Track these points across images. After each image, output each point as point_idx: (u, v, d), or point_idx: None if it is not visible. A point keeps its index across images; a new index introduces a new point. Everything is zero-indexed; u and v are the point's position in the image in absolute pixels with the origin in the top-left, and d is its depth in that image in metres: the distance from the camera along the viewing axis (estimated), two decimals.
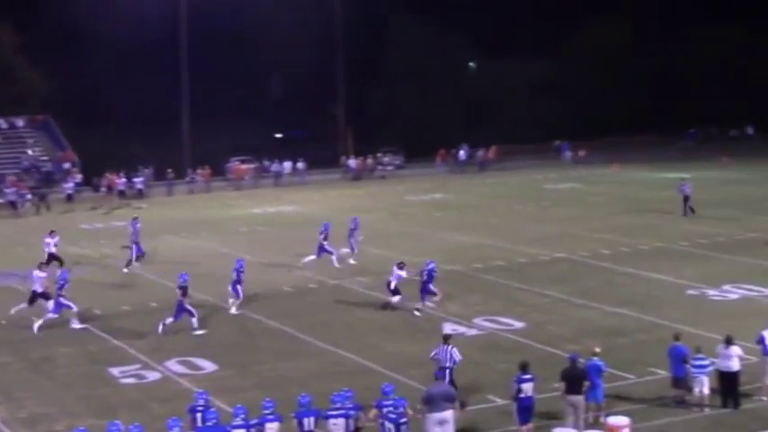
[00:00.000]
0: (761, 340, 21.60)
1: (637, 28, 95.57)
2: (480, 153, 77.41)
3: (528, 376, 19.50)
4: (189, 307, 28.78)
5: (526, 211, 49.96)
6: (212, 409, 18.21)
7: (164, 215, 54.87)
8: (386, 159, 77.14)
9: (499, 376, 22.95)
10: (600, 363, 20.42)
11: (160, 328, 28.32)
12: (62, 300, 29.34)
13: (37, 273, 30.93)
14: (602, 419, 19.86)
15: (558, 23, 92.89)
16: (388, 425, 17.72)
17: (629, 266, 35.33)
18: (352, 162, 75.19)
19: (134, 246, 38.68)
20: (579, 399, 19.66)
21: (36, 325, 29.08)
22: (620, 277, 33.95)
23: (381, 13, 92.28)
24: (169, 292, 33.86)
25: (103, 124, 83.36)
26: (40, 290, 30.43)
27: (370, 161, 75.85)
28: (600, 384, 20.27)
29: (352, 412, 17.93)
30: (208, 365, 25.20)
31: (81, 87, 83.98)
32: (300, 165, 72.65)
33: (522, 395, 19.25)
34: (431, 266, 30.01)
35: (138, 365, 25.34)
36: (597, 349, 21.02)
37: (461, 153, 76.91)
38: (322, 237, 36.55)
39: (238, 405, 18.22)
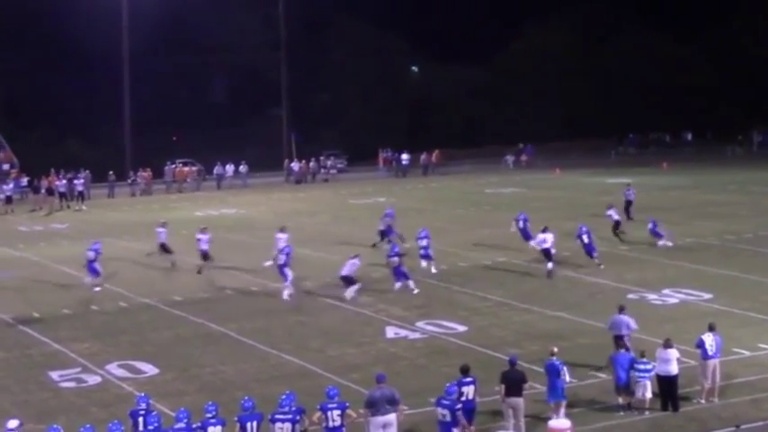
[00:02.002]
0: (700, 344, 21.89)
1: (577, 33, 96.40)
2: (423, 157, 77.68)
3: (469, 379, 19.61)
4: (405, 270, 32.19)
5: (468, 216, 50.22)
6: (154, 413, 18.09)
7: (105, 217, 54.45)
8: (329, 162, 77.15)
9: (441, 379, 23.01)
10: (558, 362, 20.62)
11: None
12: None
13: None
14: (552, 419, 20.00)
15: (499, 28, 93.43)
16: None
17: (570, 270, 35.58)
18: (295, 165, 75.09)
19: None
20: (519, 401, 19.84)
21: None
22: (561, 281, 34.19)
23: (324, 16, 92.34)
24: (109, 294, 33.67)
25: (43, 125, 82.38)
26: None
27: (312, 164, 75.79)
28: (559, 384, 20.46)
29: (298, 417, 17.90)
30: (149, 369, 25.04)
31: (20, 87, 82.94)
32: (243, 168, 72.40)
33: (463, 398, 19.33)
34: (396, 250, 33.47)
35: (78, 369, 25.11)
36: (555, 349, 21.23)
37: (404, 157, 77.10)
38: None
39: (181, 409, 18.13)
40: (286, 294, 32.15)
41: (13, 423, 17.61)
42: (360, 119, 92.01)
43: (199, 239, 37.24)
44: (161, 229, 39.62)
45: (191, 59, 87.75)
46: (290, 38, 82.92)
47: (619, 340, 23.29)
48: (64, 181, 62.27)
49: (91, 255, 35.14)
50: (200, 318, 30.03)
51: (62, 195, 61.09)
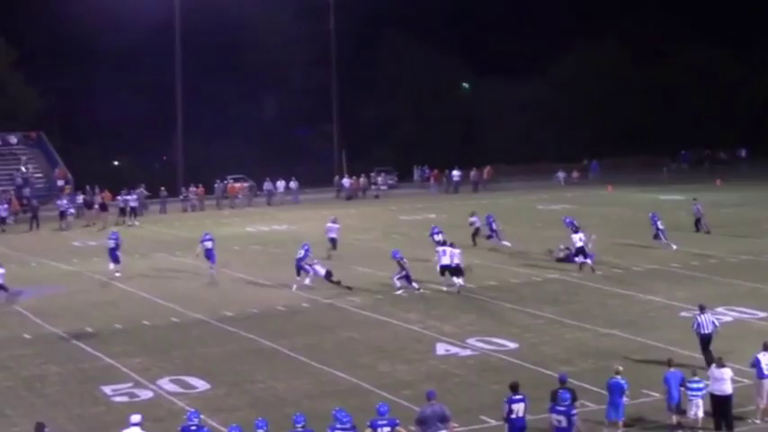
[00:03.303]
0: (755, 363, 21.64)
1: (629, 48, 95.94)
2: (474, 173, 77.56)
3: (519, 397, 19.50)
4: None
5: (519, 232, 50.01)
6: (205, 429, 18.20)
7: (157, 233, 54.89)
8: (379, 179, 77.26)
9: (492, 397, 22.95)
10: (622, 381, 20.52)
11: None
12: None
13: None
14: None
15: (552, 43, 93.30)
16: None
17: (623, 288, 35.37)
18: (346, 181, 75.27)
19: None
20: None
21: None
22: (613, 298, 33.98)
23: (376, 31, 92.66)
24: (160, 309, 33.97)
25: (96, 141, 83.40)
26: None
27: (363, 180, 75.95)
28: (621, 403, 20.33)
29: None
30: (200, 384, 25.17)
31: (74, 103, 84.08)
32: (293, 184, 72.71)
33: (513, 416, 19.25)
34: (397, 255, 35.72)
35: (130, 384, 25.30)
36: (620, 368, 21.10)
37: (455, 173, 77.03)
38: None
39: (232, 424, 18.20)
40: (294, 288, 35.67)
41: (135, 418, 18.31)
42: (411, 135, 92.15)
43: (329, 228, 43.45)
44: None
45: (242, 76, 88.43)
46: (340, 53, 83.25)
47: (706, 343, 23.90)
48: (121, 197, 62.90)
49: (111, 243, 40.87)
50: (251, 333, 30.15)
51: (122, 211, 61.79)
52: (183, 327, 31.61)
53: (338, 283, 36.04)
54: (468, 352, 27.51)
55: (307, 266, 36.58)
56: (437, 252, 36.78)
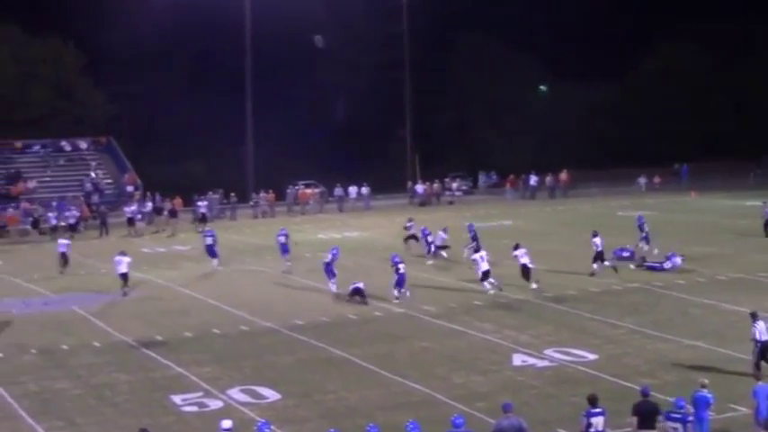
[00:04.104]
0: None
1: (709, 50, 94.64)
2: (550, 179, 77.10)
3: (598, 410, 19.26)
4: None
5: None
6: None
7: (226, 240, 55.18)
8: (454, 184, 77.10)
9: (569, 410, 22.73)
10: (708, 395, 20.17)
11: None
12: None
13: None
14: None
15: (631, 45, 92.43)
16: None
17: (706, 297, 34.88)
18: (419, 187, 75.22)
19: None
20: None
21: None
22: (696, 308, 33.53)
23: (450, 34, 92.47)
24: (230, 317, 34.20)
25: (167, 146, 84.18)
26: None
27: (437, 186, 75.85)
28: (705, 417, 20.03)
29: None
30: (271, 394, 25.24)
31: (144, 108, 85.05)
32: (365, 189, 72.83)
33: (591, 429, 19.03)
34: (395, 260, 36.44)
35: (200, 393, 25.47)
36: (705, 381, 20.77)
37: (532, 179, 76.62)
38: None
39: None
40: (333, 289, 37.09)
41: (227, 423, 18.74)
42: (486, 139, 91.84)
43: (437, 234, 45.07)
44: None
45: (313, 80, 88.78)
46: (414, 56, 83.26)
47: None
48: (202, 203, 63.58)
49: (209, 240, 44.98)
50: (321, 342, 30.20)
51: (203, 217, 62.50)
52: (252, 335, 31.78)
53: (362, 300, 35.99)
54: (545, 363, 27.29)
55: (335, 270, 37.58)
56: (475, 260, 37.30)
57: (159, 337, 31.61)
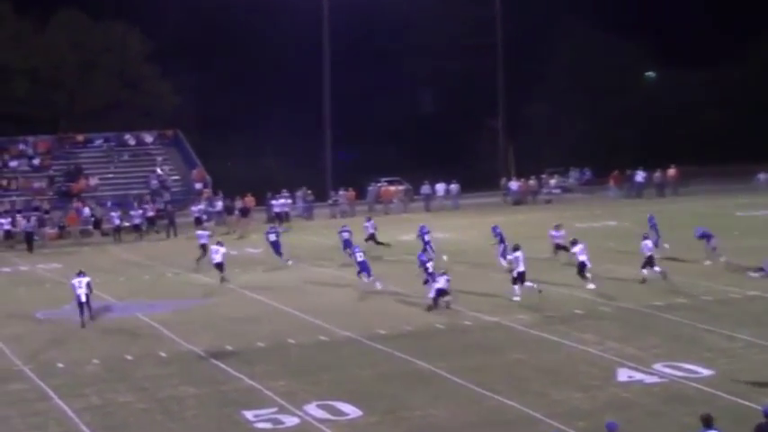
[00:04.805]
0: None
1: None
2: (658, 175, 76.23)
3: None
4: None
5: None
6: None
7: (302, 241, 55.49)
8: (552, 181, 76.65)
9: (680, 430, 22.44)
10: None
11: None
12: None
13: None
14: None
15: (747, 28, 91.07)
16: None
17: None
18: (514, 184, 74.94)
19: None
20: None
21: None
22: None
23: (546, 17, 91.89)
24: (307, 326, 34.33)
25: (238, 141, 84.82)
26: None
27: (533, 183, 75.46)
28: None
29: None
30: (351, 410, 25.24)
31: (215, 99, 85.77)
32: (454, 187, 72.72)
33: None
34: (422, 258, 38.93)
35: (274, 409, 25.55)
36: None
37: (638, 175, 75.87)
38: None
39: None
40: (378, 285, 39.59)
41: None
42: (586, 132, 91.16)
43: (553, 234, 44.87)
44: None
45: (396, 68, 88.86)
46: (507, 42, 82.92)
47: None
48: (273, 201, 64.11)
49: (272, 236, 47.49)
50: (406, 354, 30.15)
51: (277, 215, 63.05)
52: (331, 346, 31.86)
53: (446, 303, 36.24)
54: (653, 378, 26.96)
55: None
56: (514, 260, 37.58)
57: (230, 347, 31.83)
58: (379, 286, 40.00)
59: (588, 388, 26.35)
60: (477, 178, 78.37)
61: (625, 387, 26.37)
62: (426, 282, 37.59)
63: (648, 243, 40.02)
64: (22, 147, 74.13)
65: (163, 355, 31.34)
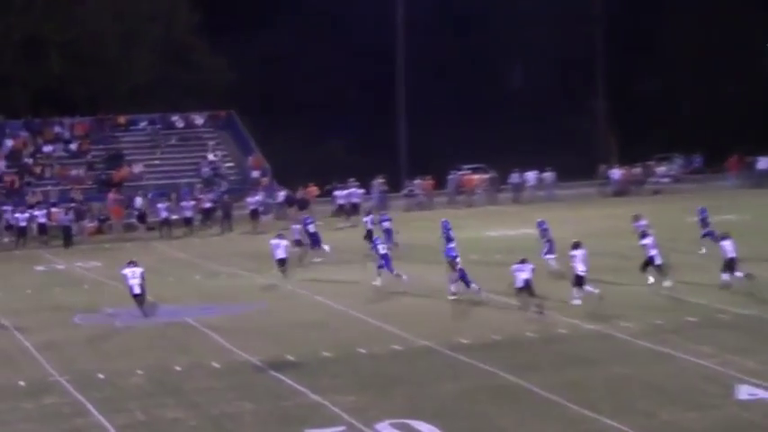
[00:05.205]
0: None
1: None
2: None
3: None
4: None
5: None
6: None
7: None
8: (660, 169, 76.12)
9: None
10: None
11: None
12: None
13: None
14: None
15: None
16: None
17: None
18: (616, 172, 74.56)
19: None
20: None
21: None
22: None
23: None
24: (378, 333, 34.40)
25: (300, 123, 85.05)
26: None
27: (638, 171, 75.01)
28: None
29: None
30: (429, 430, 25.26)
31: (273, 76, 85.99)
32: (548, 175, 72.46)
33: None
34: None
35: (342, 428, 25.62)
36: None
37: (760, 162, 75.18)
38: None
39: None
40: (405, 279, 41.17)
41: None
42: (701, 112, 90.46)
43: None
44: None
45: (480, 41, 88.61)
46: (610, 9, 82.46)
47: None
48: (339, 192, 64.42)
49: (311, 228, 49.32)
50: (492, 366, 30.10)
51: (340, 208, 63.35)
52: (406, 356, 31.88)
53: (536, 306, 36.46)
54: None
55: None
56: (572, 257, 37.88)
57: (291, 357, 31.96)
58: (405, 279, 41.31)
59: (703, 407, 26.18)
60: (574, 165, 77.99)
61: (746, 406, 26.16)
62: (457, 280, 38.32)
63: (728, 244, 39.45)
64: (57, 130, 75.01)
65: (216, 365, 31.53)
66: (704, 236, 46.72)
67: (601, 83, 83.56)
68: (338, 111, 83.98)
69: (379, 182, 69.50)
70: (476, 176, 73.73)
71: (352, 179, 67.43)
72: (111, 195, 65.67)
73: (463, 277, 38.74)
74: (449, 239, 44.78)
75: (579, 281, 37.26)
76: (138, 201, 64.48)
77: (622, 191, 73.26)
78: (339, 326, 36.08)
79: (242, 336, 34.97)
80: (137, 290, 37.70)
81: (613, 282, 40.04)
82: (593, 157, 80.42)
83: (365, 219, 53.10)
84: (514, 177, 72.64)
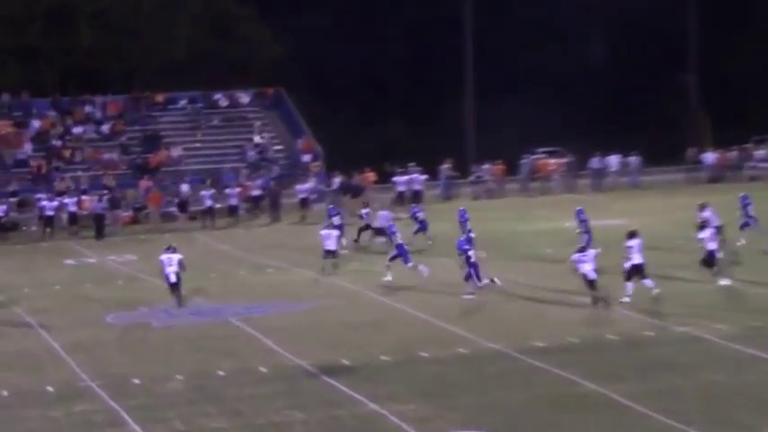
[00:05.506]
0: None
1: None
2: None
3: None
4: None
5: None
6: None
7: (433, 228, 55.40)
8: (758, 153, 75.60)
9: None
10: None
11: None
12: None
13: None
14: None
15: None
16: None
17: None
18: (709, 156, 74.14)
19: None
20: None
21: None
22: None
23: None
24: (442, 335, 34.33)
25: (356, 102, 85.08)
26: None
27: (735, 155, 74.53)
28: None
29: None
30: None
31: (326, 50, 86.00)
32: (633, 159, 72.12)
33: None
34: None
35: None
36: None
37: None
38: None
39: None
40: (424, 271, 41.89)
41: None
42: None
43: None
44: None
45: (556, 11, 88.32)
46: None
47: None
48: (405, 177, 64.56)
49: (420, 215, 52.04)
50: (569, 372, 29.99)
51: (400, 196, 63.56)
52: (473, 360, 31.82)
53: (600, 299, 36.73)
54: None
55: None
56: (628, 248, 37.68)
57: (346, 362, 31.99)
58: (425, 272, 42.27)
59: None
60: (662, 149, 77.55)
61: None
62: (469, 276, 38.77)
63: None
64: (88, 109, 75.42)
65: (263, 370, 31.60)
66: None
67: (692, 56, 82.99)
68: (398, 88, 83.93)
69: (445, 167, 69.40)
70: (552, 161, 73.50)
71: (412, 164, 67.41)
72: (143, 183, 65.74)
73: (475, 272, 38.94)
74: (464, 231, 45.92)
75: (633, 272, 36.93)
76: (185, 187, 64.39)
77: (717, 177, 72.77)
78: (398, 327, 36.06)
79: (291, 337, 35.03)
80: (173, 278, 38.05)
81: (701, 280, 39.71)
82: (683, 140, 79.94)
83: (362, 212, 53.56)
84: (595, 162, 72.34)
